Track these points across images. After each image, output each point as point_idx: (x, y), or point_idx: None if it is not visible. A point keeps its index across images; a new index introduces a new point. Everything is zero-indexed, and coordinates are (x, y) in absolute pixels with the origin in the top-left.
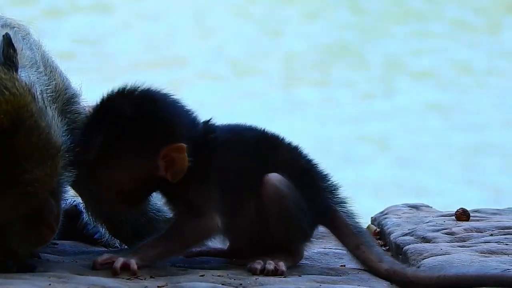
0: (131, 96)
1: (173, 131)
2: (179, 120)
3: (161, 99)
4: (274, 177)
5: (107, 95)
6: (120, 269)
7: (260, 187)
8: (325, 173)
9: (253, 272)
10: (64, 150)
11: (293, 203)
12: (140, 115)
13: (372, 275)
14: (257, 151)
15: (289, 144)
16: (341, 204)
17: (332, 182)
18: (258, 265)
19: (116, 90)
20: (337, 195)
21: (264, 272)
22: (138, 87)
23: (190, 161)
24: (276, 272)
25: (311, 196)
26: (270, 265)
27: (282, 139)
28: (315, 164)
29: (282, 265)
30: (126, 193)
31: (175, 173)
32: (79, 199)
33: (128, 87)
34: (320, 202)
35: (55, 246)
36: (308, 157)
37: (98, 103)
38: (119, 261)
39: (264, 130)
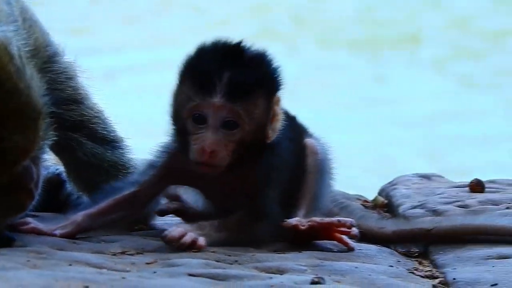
0: (241, 41)
1: (281, 79)
2: (281, 69)
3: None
4: (311, 142)
5: (213, 41)
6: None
7: (302, 153)
8: None
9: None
10: (45, 112)
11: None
12: (262, 57)
13: (379, 251)
14: (294, 122)
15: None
16: None
17: None
18: None
19: (219, 39)
20: None
21: None
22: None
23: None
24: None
25: None
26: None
27: None
28: None
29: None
30: (241, 145)
31: (272, 130)
32: (62, 167)
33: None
34: None
35: (35, 217)
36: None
37: (205, 45)
38: (190, 236)
39: None
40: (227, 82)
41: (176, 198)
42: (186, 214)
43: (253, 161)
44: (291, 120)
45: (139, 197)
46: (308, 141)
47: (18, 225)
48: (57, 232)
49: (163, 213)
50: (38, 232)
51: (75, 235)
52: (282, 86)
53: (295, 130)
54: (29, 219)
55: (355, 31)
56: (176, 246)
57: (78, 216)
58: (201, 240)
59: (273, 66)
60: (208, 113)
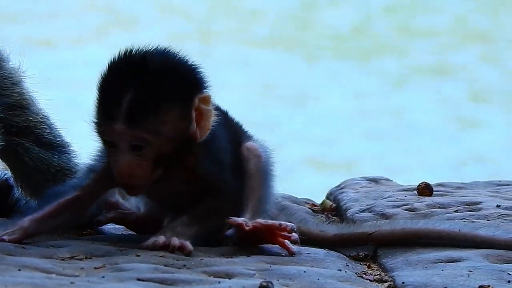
0: (147, 52)
1: (200, 78)
2: (199, 69)
3: (176, 52)
4: (253, 145)
5: (119, 56)
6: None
7: (241, 154)
8: None
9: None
10: None
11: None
12: (166, 66)
13: (327, 255)
14: (229, 120)
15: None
16: None
17: None
18: None
19: (126, 50)
20: None
21: None
22: (146, 47)
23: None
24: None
25: None
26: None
27: None
28: None
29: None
30: (162, 158)
31: (203, 128)
32: (9, 173)
33: (137, 48)
34: None
35: None
36: None
37: (111, 64)
38: (176, 241)
39: None
40: (127, 106)
41: (114, 206)
42: (128, 220)
43: (190, 156)
44: (223, 114)
45: (81, 201)
46: (249, 144)
47: None
48: (5, 237)
49: (100, 223)
50: None
51: (22, 241)
52: (205, 85)
53: (228, 124)
54: None
55: None
56: (169, 251)
57: (24, 222)
58: (188, 245)
59: (185, 70)
60: (114, 138)
